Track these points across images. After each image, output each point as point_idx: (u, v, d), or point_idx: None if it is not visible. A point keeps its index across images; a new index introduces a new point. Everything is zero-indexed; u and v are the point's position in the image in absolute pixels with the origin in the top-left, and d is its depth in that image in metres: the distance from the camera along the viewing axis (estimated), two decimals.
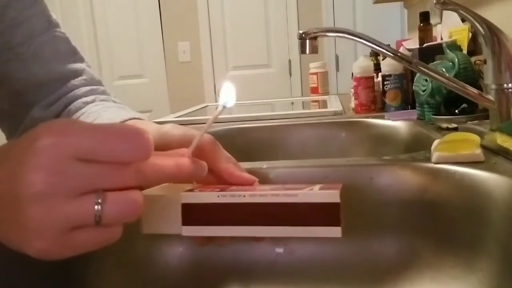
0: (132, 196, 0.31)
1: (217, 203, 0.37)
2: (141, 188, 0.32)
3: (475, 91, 0.63)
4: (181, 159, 0.36)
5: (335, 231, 0.35)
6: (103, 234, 0.31)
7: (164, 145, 0.41)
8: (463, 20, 1.01)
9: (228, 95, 0.38)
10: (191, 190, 0.39)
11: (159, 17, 3.20)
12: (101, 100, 0.63)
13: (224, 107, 0.38)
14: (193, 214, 0.37)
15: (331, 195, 0.35)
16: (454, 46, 0.84)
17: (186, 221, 0.37)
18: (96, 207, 0.29)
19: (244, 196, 0.37)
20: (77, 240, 0.30)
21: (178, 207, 0.37)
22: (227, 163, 0.44)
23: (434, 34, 1.18)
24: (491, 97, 0.62)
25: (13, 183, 0.29)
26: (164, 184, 0.41)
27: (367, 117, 1.06)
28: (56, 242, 0.29)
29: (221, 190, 0.38)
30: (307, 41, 0.64)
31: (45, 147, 0.29)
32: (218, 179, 0.43)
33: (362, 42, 0.62)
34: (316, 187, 0.37)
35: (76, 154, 0.29)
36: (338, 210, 0.35)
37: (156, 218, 0.38)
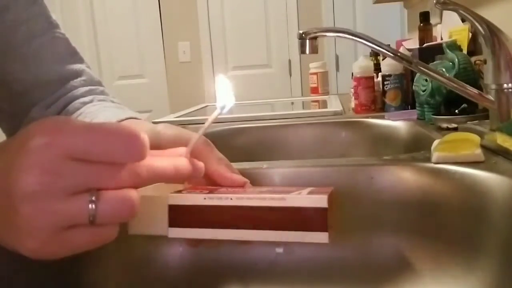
0: (126, 194, 0.30)
1: (204, 205, 0.36)
2: (136, 188, 0.32)
3: (475, 91, 0.63)
4: (178, 160, 0.36)
5: (322, 237, 0.34)
6: (97, 234, 0.30)
7: (157, 145, 0.41)
8: (463, 20, 1.01)
9: (226, 96, 0.38)
10: (180, 191, 0.38)
11: (159, 17, 3.20)
12: (99, 100, 0.62)
13: (222, 109, 0.37)
14: (180, 216, 0.37)
15: (319, 200, 0.34)
16: (454, 46, 0.84)
17: (173, 223, 0.37)
18: (90, 205, 0.29)
19: (231, 199, 0.36)
20: (71, 240, 0.30)
21: (164, 209, 0.37)
22: (219, 164, 0.43)
23: (434, 34, 1.18)
24: (491, 97, 0.62)
25: (6, 182, 0.29)
26: (155, 184, 0.40)
27: (367, 117, 1.06)
28: (49, 241, 0.29)
29: (209, 192, 0.38)
30: (307, 41, 0.64)
31: (38, 146, 0.28)
32: (209, 181, 0.43)
33: (362, 42, 0.62)
34: (305, 191, 0.37)
35: (69, 153, 0.29)
36: (325, 216, 0.34)
37: (143, 219, 0.36)
